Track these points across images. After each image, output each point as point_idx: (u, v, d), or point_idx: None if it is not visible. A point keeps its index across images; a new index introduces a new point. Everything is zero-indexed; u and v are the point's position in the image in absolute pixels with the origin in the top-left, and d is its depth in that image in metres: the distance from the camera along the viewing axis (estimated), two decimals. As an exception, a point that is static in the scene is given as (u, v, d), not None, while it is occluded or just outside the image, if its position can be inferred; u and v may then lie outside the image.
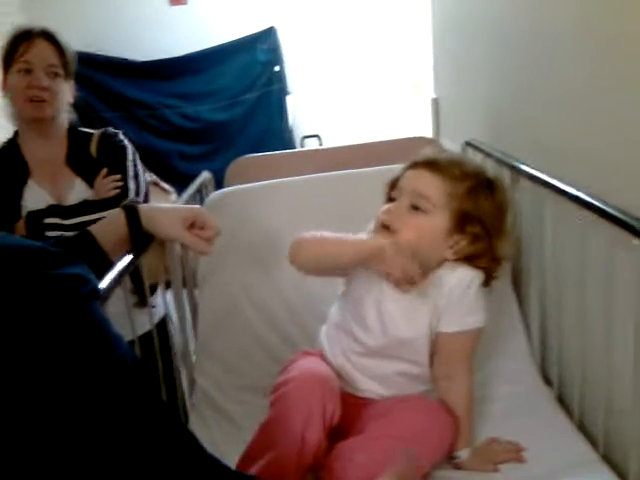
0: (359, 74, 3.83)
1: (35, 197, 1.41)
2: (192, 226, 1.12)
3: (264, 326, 1.46)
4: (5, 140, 1.48)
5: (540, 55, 1.36)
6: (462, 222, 1.08)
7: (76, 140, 1.49)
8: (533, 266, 1.43)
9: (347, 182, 1.58)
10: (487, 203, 1.10)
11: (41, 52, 1.40)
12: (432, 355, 1.15)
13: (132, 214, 1.07)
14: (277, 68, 3.75)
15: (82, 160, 1.47)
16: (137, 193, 1.46)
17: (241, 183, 1.65)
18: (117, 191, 1.42)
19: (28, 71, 1.39)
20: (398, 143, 1.92)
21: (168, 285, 1.42)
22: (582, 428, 1.21)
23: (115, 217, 1.08)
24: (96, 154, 1.48)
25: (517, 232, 1.51)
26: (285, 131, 3.78)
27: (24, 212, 1.39)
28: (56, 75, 1.42)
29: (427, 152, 1.16)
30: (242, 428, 1.26)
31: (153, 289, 1.40)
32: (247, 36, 3.72)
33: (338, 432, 1.09)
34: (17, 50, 1.40)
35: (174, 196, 1.69)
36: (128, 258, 1.05)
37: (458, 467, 1.12)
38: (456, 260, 1.10)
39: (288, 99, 3.80)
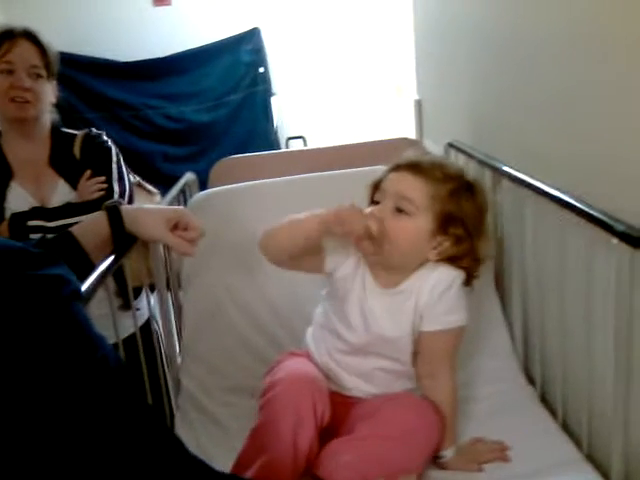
0: (343, 76, 3.84)
1: (18, 199, 1.40)
2: (176, 227, 1.12)
3: (249, 327, 1.46)
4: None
5: (522, 59, 1.38)
6: (445, 224, 1.10)
7: (59, 141, 1.48)
8: (515, 266, 1.44)
9: (331, 183, 1.58)
10: (468, 205, 1.11)
11: (23, 53, 1.39)
12: (415, 354, 1.16)
13: (114, 215, 1.06)
14: (262, 69, 3.75)
15: (65, 161, 1.46)
16: (122, 195, 1.46)
17: (225, 184, 1.65)
18: (101, 193, 1.42)
19: (10, 72, 1.38)
20: (382, 144, 1.93)
21: (153, 287, 1.41)
22: (565, 427, 1.22)
23: (97, 218, 1.07)
24: (80, 155, 1.47)
25: (499, 232, 1.52)
26: (270, 132, 3.77)
27: (7, 214, 1.37)
28: (38, 76, 1.41)
29: (409, 155, 1.17)
30: (228, 430, 1.26)
31: (138, 291, 1.40)
32: (231, 37, 3.71)
33: (327, 432, 1.09)
34: None
35: (158, 197, 1.68)
36: (110, 259, 1.04)
37: (443, 467, 1.13)
38: (438, 260, 1.12)
39: (273, 100, 3.80)
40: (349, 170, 1.61)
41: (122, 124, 3.63)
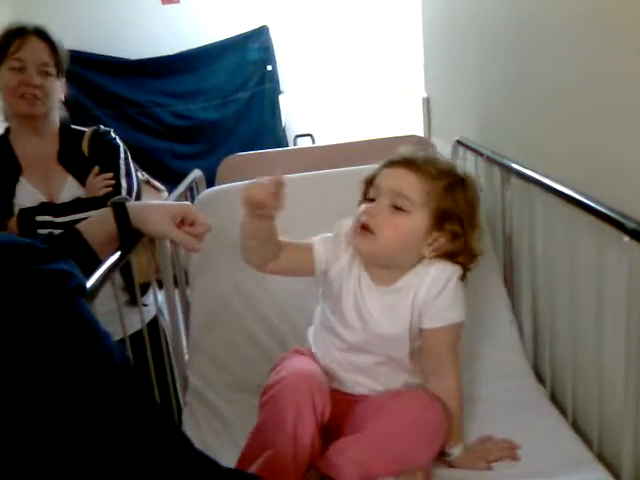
0: (351, 73, 3.83)
1: (27, 195, 1.41)
2: (182, 223, 1.12)
3: (256, 324, 1.45)
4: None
5: (531, 56, 1.37)
6: (441, 220, 1.09)
7: (68, 138, 1.49)
8: (524, 264, 1.43)
9: (339, 180, 1.58)
10: (462, 199, 1.10)
11: (34, 50, 1.40)
12: (414, 351, 1.14)
13: (120, 211, 1.06)
14: (269, 67, 3.75)
15: (74, 158, 1.46)
16: (129, 191, 1.46)
17: (232, 181, 1.65)
18: (109, 189, 1.42)
19: (20, 69, 1.39)
20: (390, 142, 1.92)
21: (161, 284, 1.41)
22: (575, 426, 1.21)
23: (103, 215, 1.07)
24: (88, 152, 1.48)
25: (508, 229, 1.51)
26: (278, 130, 3.77)
27: (16, 209, 1.38)
28: (48, 73, 1.42)
29: (403, 150, 1.15)
30: (233, 427, 1.25)
31: (146, 287, 1.40)
32: (239, 35, 3.71)
33: (333, 430, 1.09)
34: (10, 47, 1.39)
35: (166, 194, 1.69)
36: (117, 255, 1.04)
37: (451, 465, 1.12)
38: (434, 257, 1.11)
39: (281, 98, 3.80)
40: (357, 167, 1.60)
41: (130, 121, 3.64)
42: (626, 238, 0.96)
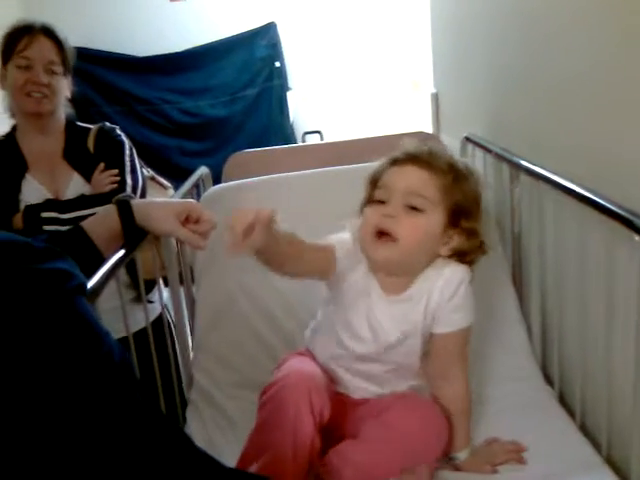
0: (359, 70, 3.81)
1: (33, 191, 1.41)
2: (187, 220, 1.11)
3: (261, 322, 1.45)
4: (3, 134, 1.48)
5: (539, 49, 1.35)
6: (456, 216, 1.05)
7: (73, 135, 1.49)
8: (533, 263, 1.41)
9: (347, 177, 1.56)
10: (469, 191, 1.06)
11: (41, 49, 1.40)
12: (426, 354, 1.13)
13: (125, 209, 1.06)
14: (277, 64, 3.73)
15: (79, 155, 1.47)
16: (134, 188, 1.46)
17: (239, 178, 1.64)
18: (114, 186, 1.42)
19: (28, 67, 1.39)
20: (398, 138, 1.89)
21: (166, 281, 1.41)
22: (584, 429, 1.20)
23: (108, 212, 1.06)
24: (93, 149, 1.48)
25: (517, 228, 1.49)
26: (286, 127, 3.76)
27: (22, 206, 1.38)
28: (55, 72, 1.42)
29: (406, 146, 1.09)
30: (238, 424, 1.25)
31: (152, 284, 1.40)
32: (247, 31, 3.70)
33: (334, 432, 1.08)
34: (17, 45, 1.39)
35: (171, 191, 1.68)
36: (121, 253, 1.04)
37: (457, 468, 1.11)
38: (450, 257, 1.07)
39: (289, 95, 3.79)
40: (365, 164, 1.58)
41: (139, 118, 3.65)
42: (637, 237, 0.94)
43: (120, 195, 1.13)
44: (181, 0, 3.70)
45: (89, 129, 1.51)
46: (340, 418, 1.09)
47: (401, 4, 3.64)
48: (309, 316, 1.36)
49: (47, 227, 1.34)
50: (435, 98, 2.47)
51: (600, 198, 1.05)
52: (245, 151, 1.95)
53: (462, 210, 1.05)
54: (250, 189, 1.58)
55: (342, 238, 1.10)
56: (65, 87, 1.47)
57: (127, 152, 1.48)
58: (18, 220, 1.36)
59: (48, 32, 1.42)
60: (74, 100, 1.53)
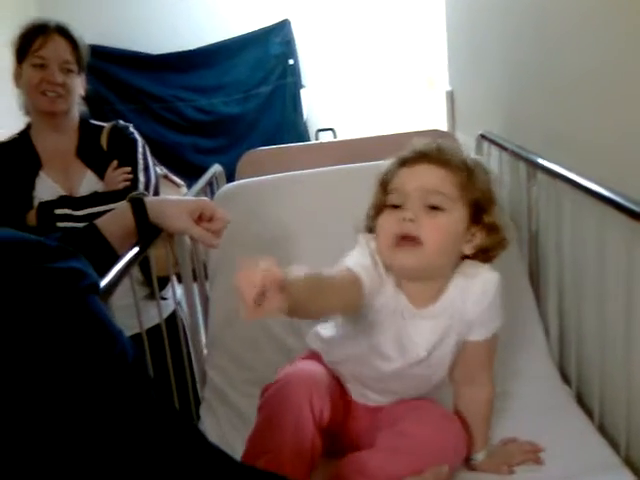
0: (374, 67, 3.80)
1: (46, 189, 1.42)
2: (200, 218, 1.11)
3: (275, 320, 1.44)
4: (17, 132, 1.48)
5: (556, 47, 1.33)
6: (477, 212, 1.01)
7: (87, 133, 1.50)
8: (551, 261, 1.40)
9: (361, 175, 1.54)
10: (485, 187, 1.02)
11: (56, 48, 1.41)
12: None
13: (139, 206, 1.06)
14: (291, 61, 3.73)
15: (93, 152, 1.47)
16: (147, 185, 1.46)
17: (252, 176, 1.63)
18: (127, 183, 1.42)
19: (42, 66, 1.40)
20: (412, 136, 1.88)
21: (180, 278, 1.41)
22: (602, 429, 1.18)
23: (121, 210, 1.07)
24: (107, 147, 1.48)
25: (534, 227, 1.47)
26: (299, 124, 3.76)
27: (35, 203, 1.39)
28: (70, 70, 1.42)
29: (416, 145, 1.02)
30: (251, 423, 1.24)
31: (165, 281, 1.40)
32: (261, 29, 3.70)
33: (344, 438, 1.07)
34: (32, 44, 1.40)
35: (185, 189, 1.68)
36: (135, 250, 1.04)
37: (473, 468, 1.09)
38: (473, 256, 1.03)
39: (302, 92, 3.78)
40: (379, 162, 1.57)
41: (153, 116, 3.66)
42: (658, 236, 0.92)
43: (134, 193, 1.12)
44: (195, -3, 3.71)
45: (102, 127, 1.51)
46: (351, 423, 1.08)
47: (416, 1, 3.62)
48: (323, 314, 1.35)
49: (60, 224, 1.35)
50: (450, 95, 2.45)
51: (620, 197, 1.03)
52: (258, 149, 1.95)
53: (481, 206, 1.01)
54: (264, 187, 1.57)
55: (361, 262, 0.99)
56: (79, 85, 1.47)
57: (140, 150, 1.49)
58: (32, 217, 1.36)
59: (63, 31, 1.42)
60: (88, 98, 1.53)
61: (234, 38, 3.69)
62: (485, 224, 1.01)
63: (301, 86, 3.78)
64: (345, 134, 3.70)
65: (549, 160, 1.31)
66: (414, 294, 1.01)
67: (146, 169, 1.47)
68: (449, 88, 2.46)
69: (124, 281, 0.99)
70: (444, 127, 2.46)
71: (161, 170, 1.63)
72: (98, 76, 3.31)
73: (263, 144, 2.11)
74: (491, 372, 1.10)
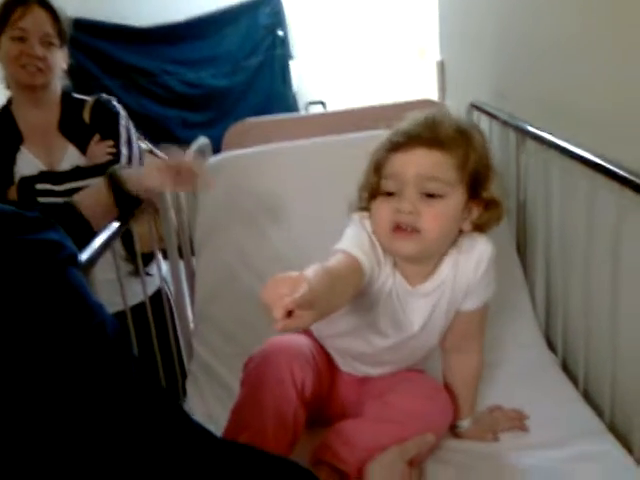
0: (364, 39, 3.74)
1: (28, 163, 1.40)
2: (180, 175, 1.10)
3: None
4: (-2, 106, 1.46)
5: (548, 15, 1.30)
6: (475, 188, 0.97)
7: (69, 106, 1.47)
8: (539, 231, 1.39)
9: (351, 146, 1.51)
10: (482, 153, 0.98)
11: (36, 20, 1.37)
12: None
13: (114, 180, 1.05)
14: (280, 32, 3.67)
15: (75, 126, 1.44)
16: (130, 158, 1.44)
17: (240, 148, 1.62)
18: (109, 157, 1.40)
19: (22, 38, 1.36)
20: (403, 106, 1.85)
21: (165, 254, 1.40)
22: (587, 396, 1.19)
23: (98, 185, 1.06)
24: (89, 120, 1.46)
25: (522, 196, 1.47)
26: (288, 97, 3.71)
27: (17, 178, 1.37)
28: (51, 44, 1.39)
29: (406, 126, 0.96)
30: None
31: (150, 257, 1.39)
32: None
33: (333, 408, 1.08)
34: (11, 15, 1.36)
35: (170, 163, 1.66)
36: (116, 224, 1.03)
37: (459, 436, 1.10)
38: (471, 229, 1.00)
39: (292, 64, 3.72)
40: (368, 133, 1.55)
41: (140, 90, 3.60)
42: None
43: (111, 168, 1.11)
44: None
45: (85, 101, 1.48)
46: (338, 393, 1.08)
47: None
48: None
49: (42, 199, 1.33)
50: (441, 65, 2.42)
51: (609, 164, 1.02)
52: (246, 120, 1.92)
53: (479, 179, 0.97)
54: (251, 159, 1.55)
55: (359, 244, 0.96)
56: (61, 59, 1.44)
57: (123, 123, 1.46)
58: (12, 192, 1.35)
59: (43, 2, 1.38)
60: (73, 73, 1.50)
61: (222, 9, 3.61)
62: (483, 199, 0.98)
63: (290, 58, 3.72)
64: (335, 106, 3.65)
65: (539, 128, 1.30)
66: (410, 273, 1.00)
67: (129, 142, 1.45)
68: (439, 58, 2.43)
69: (106, 255, 0.98)
70: (435, 97, 2.44)
71: (146, 145, 1.61)
72: (83, 50, 3.24)
73: (252, 117, 2.08)
74: (482, 340, 1.11)
